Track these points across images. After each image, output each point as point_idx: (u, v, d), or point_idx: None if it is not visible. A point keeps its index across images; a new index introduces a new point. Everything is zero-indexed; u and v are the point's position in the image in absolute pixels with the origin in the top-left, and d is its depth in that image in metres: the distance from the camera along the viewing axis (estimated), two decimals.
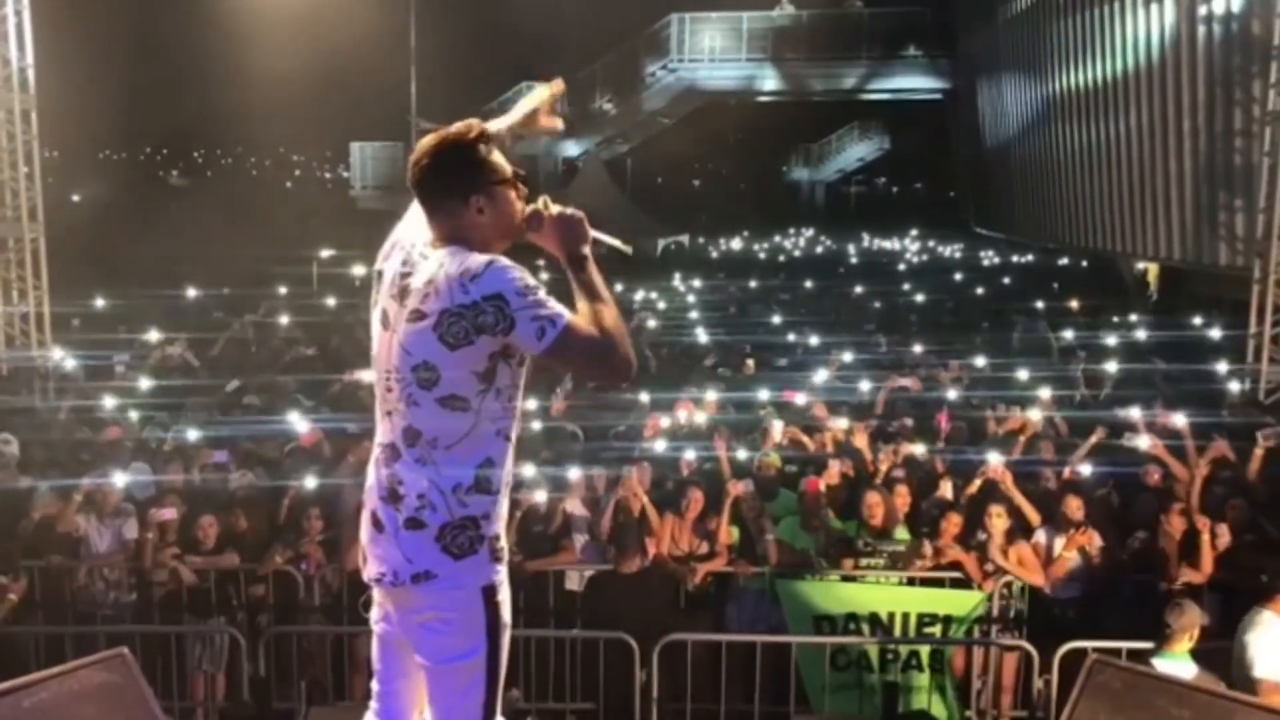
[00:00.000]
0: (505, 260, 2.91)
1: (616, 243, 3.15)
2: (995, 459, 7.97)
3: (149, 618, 7.38)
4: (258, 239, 26.36)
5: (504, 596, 3.08)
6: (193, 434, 9.27)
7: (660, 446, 8.99)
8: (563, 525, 7.87)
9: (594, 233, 3.05)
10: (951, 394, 10.94)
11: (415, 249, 3.01)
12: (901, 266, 29.94)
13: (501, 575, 3.07)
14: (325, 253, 23.41)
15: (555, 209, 3.04)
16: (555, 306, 2.86)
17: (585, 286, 2.96)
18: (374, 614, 3.22)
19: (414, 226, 3.10)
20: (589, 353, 2.89)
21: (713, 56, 29.72)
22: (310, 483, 8.00)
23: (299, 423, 9.25)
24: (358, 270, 22.09)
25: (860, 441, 8.90)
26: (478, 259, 2.88)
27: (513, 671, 7.16)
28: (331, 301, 18.19)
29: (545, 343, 2.85)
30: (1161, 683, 4.43)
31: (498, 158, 3.01)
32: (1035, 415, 9.64)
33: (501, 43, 32.62)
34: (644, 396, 10.76)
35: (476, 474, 2.98)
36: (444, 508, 2.98)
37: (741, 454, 8.75)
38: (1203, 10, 17.01)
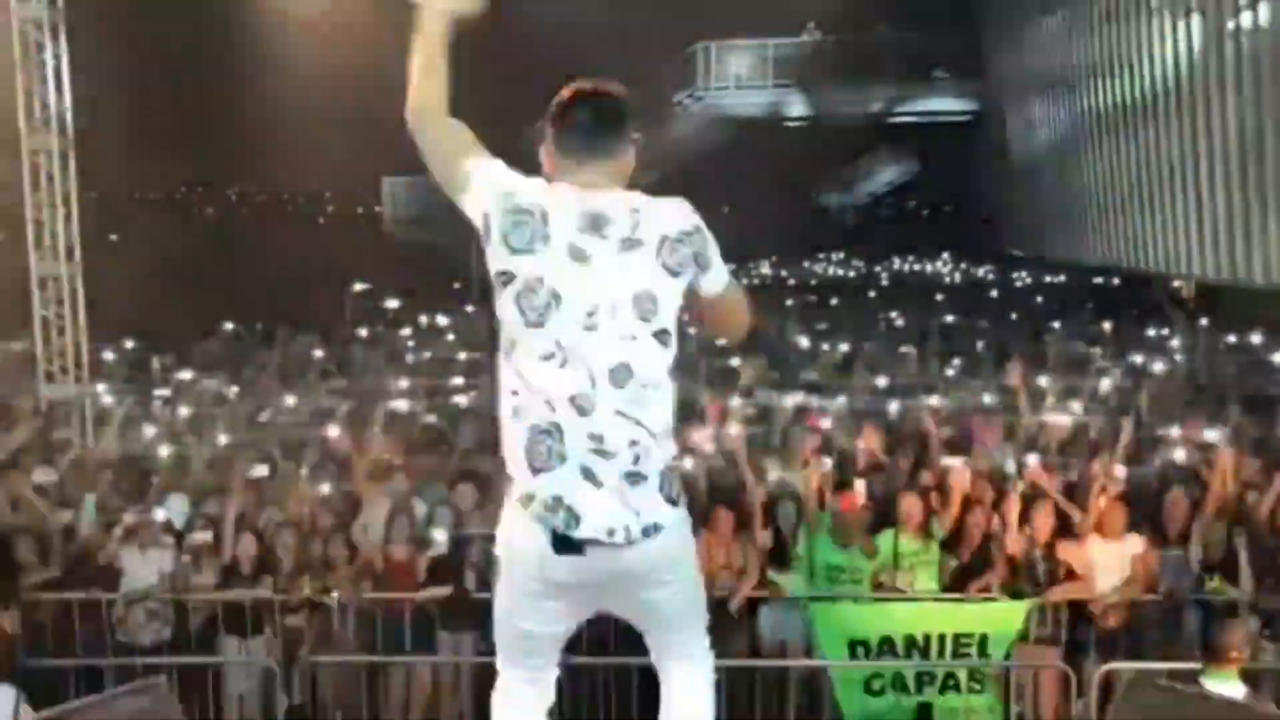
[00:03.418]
0: None
1: None
2: (1034, 461, 7.94)
3: (186, 650, 7.43)
4: (292, 273, 26.64)
5: None
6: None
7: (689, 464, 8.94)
8: None
9: None
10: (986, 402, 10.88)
11: (573, 188, 2.88)
12: (934, 288, 29.83)
13: None
14: (358, 286, 23.63)
15: None
16: None
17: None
18: (550, 585, 2.94)
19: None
20: (743, 297, 2.99)
21: (739, 83, 29.82)
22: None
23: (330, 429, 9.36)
24: (391, 304, 22.28)
25: (872, 441, 8.90)
26: (671, 199, 2.92)
27: None
28: (364, 332, 18.37)
29: (729, 277, 2.92)
30: (1204, 701, 4.36)
31: None
32: (1065, 420, 9.58)
33: (526, 75, 32.89)
34: None
35: (672, 417, 2.89)
36: (659, 454, 2.85)
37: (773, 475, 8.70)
38: (1231, 25, 16.92)
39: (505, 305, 2.83)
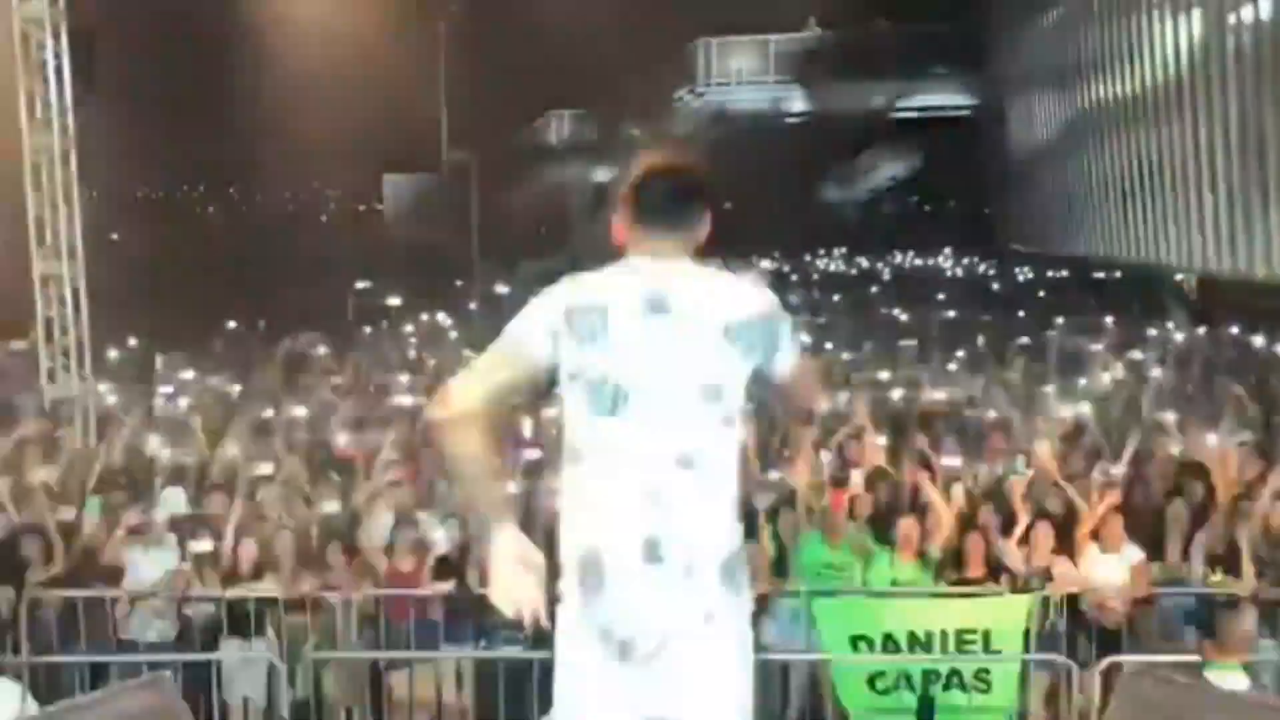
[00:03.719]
0: None
1: None
2: (1042, 449, 7.95)
3: (190, 647, 7.44)
4: (294, 272, 26.66)
5: None
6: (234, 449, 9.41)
7: None
8: None
9: None
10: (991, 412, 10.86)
11: (645, 274, 2.85)
12: (936, 283, 29.79)
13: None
14: (360, 284, 23.66)
15: None
16: None
17: None
18: (609, 688, 2.88)
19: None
20: (813, 369, 3.03)
21: (740, 79, 29.84)
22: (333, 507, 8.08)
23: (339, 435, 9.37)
24: (393, 301, 22.31)
25: (870, 439, 8.85)
26: (743, 276, 2.94)
27: (544, 698, 7.18)
28: (367, 329, 18.41)
29: (800, 358, 2.92)
30: (1206, 693, 4.36)
31: None
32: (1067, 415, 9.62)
33: (530, 72, 32.90)
34: None
35: (737, 503, 2.87)
36: (725, 540, 2.83)
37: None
38: (1232, 19, 16.92)
39: (574, 399, 2.81)
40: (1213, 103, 17.52)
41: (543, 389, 2.92)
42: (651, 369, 2.76)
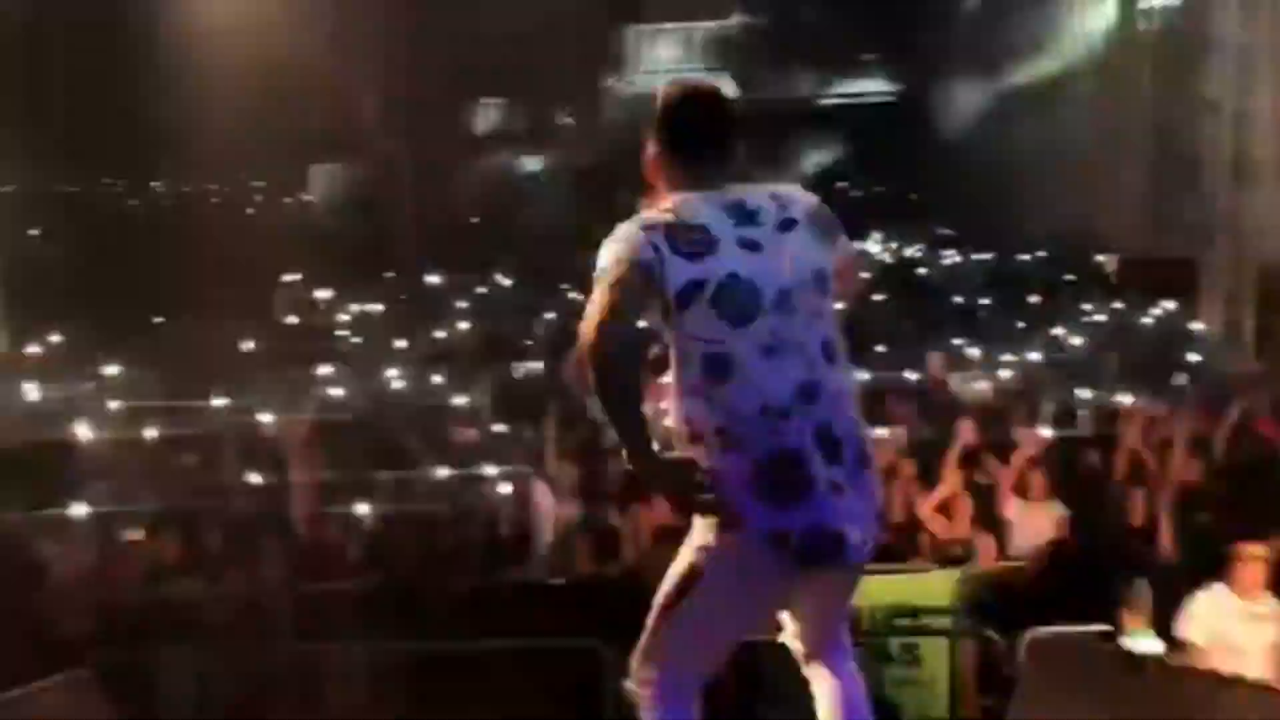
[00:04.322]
0: None
1: None
2: (967, 423, 8.12)
3: (114, 645, 7.32)
4: (221, 265, 26.20)
5: None
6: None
7: None
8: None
9: None
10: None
11: (711, 196, 2.77)
12: (864, 268, 30.06)
13: None
14: (288, 277, 23.34)
15: None
16: None
17: None
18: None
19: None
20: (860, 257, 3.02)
21: (669, 67, 29.87)
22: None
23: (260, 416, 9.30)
24: (321, 294, 22.07)
25: None
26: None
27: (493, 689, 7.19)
28: (294, 320, 18.22)
29: (848, 243, 2.96)
30: (1118, 657, 4.49)
31: None
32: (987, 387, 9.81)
33: (459, 60, 32.67)
34: None
35: None
36: (864, 428, 2.83)
37: None
38: (1143, 5, 17.34)
39: (702, 316, 2.66)
40: (1129, 85, 17.93)
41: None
42: (774, 268, 2.70)
